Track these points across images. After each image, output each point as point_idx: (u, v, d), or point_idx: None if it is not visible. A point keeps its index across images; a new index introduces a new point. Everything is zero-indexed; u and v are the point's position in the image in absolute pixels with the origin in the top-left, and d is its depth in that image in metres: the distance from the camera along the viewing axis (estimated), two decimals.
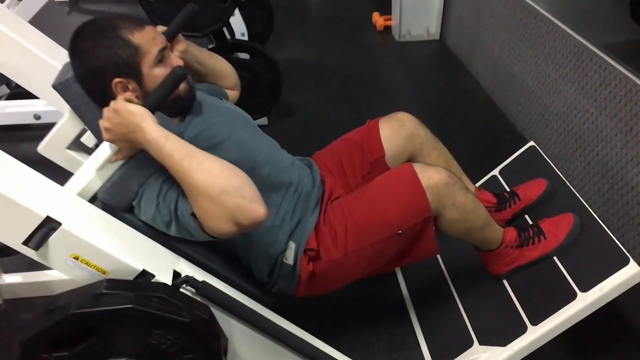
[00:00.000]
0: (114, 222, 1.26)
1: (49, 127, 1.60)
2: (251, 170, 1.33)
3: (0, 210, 1.05)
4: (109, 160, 1.22)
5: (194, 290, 1.22)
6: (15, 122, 2.63)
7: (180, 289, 1.20)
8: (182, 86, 1.32)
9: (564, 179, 1.68)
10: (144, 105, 1.18)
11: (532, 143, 1.85)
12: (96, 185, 1.27)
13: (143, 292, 1.12)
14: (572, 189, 1.63)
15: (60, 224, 1.09)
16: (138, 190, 1.25)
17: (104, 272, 1.17)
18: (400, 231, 1.36)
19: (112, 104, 1.17)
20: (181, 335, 1.13)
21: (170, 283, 1.20)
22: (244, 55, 2.63)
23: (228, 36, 2.69)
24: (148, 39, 1.28)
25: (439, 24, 3.73)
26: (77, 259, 1.14)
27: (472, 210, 1.41)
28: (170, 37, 1.42)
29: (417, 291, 1.85)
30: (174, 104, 1.32)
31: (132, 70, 1.26)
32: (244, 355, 1.32)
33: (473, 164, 1.90)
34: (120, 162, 1.24)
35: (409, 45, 3.75)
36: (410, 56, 3.62)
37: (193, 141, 1.27)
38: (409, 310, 1.81)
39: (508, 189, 1.80)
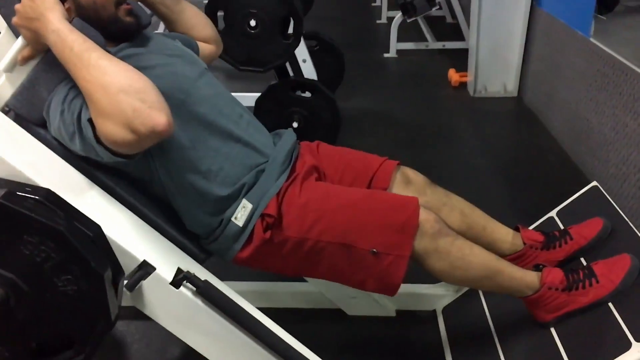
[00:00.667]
0: (23, 134, 1.16)
1: None
2: (182, 102, 1.24)
3: None
4: (18, 59, 1.14)
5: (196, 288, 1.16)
6: None
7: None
8: (129, 18, 1.27)
9: (626, 218, 1.49)
10: None
11: (594, 183, 1.68)
12: (7, 91, 1.16)
13: (18, 190, 1.02)
14: (634, 229, 1.44)
15: None
16: (47, 98, 1.16)
17: None
18: (374, 250, 1.25)
19: None
20: (56, 247, 1.00)
21: (169, 280, 1.15)
22: (305, 94, 2.65)
23: (291, 74, 2.73)
24: None
25: (517, 80, 3.61)
26: None
27: (459, 258, 1.29)
28: None
29: (456, 335, 1.68)
30: (109, 24, 1.23)
31: None
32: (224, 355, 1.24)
33: (539, 211, 1.78)
34: (31, 65, 1.15)
35: (483, 100, 3.65)
36: (483, 110, 3.51)
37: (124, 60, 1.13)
38: (446, 356, 1.64)
39: None
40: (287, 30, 2.43)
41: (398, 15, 4.40)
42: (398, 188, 1.47)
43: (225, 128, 1.31)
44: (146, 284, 1.16)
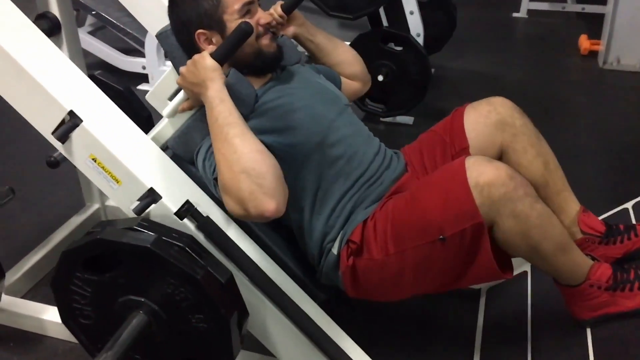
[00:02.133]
0: (178, 171, 1.27)
1: None
2: (319, 145, 1.27)
3: (35, 99, 1.14)
4: (179, 109, 1.26)
5: (196, 222, 1.18)
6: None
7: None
8: (265, 41, 1.30)
9: None
10: (211, 54, 1.19)
11: None
12: (168, 132, 1.32)
13: (166, 237, 1.12)
14: None
15: (82, 120, 1.14)
16: (199, 143, 1.27)
17: (117, 182, 1.18)
18: (441, 236, 1.13)
19: (196, 55, 1.20)
20: (192, 290, 1.11)
21: (175, 209, 1.17)
22: (395, 46, 2.53)
23: (385, 24, 2.61)
24: None
25: None
26: (95, 161, 1.17)
27: (537, 225, 1.11)
28: (287, 11, 1.40)
29: (493, 318, 1.55)
30: (255, 59, 1.30)
31: (214, 22, 1.26)
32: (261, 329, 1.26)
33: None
34: (190, 113, 1.27)
35: (613, 74, 3.26)
36: (610, 85, 3.14)
37: (266, 105, 1.28)
38: (476, 338, 1.53)
39: None
40: None
41: None
42: (478, 120, 1.34)
43: (354, 173, 1.30)
44: (154, 211, 1.19)
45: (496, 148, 1.35)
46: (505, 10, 4.30)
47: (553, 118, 2.77)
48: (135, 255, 1.12)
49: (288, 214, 1.26)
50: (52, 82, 1.15)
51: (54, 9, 1.62)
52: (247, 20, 1.25)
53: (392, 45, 2.53)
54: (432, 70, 3.25)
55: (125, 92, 1.87)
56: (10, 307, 1.59)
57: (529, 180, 1.29)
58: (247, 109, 1.26)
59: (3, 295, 1.60)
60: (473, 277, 1.19)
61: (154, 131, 1.35)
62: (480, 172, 1.10)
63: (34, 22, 1.56)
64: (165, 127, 1.33)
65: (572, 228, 1.35)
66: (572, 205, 1.36)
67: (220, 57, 1.19)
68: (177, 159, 1.30)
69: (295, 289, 1.27)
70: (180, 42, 1.33)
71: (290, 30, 1.45)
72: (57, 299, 1.23)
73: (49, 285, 1.22)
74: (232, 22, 1.26)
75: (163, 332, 1.17)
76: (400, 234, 1.20)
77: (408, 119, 2.69)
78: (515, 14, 4.24)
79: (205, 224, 1.17)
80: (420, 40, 3.08)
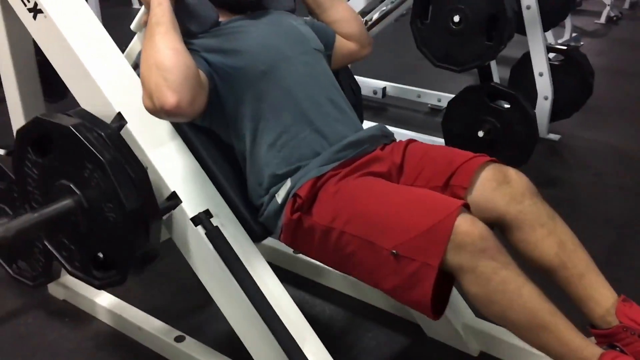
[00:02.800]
0: (194, 164, 1.34)
1: None
2: (264, 73, 1.30)
3: (94, 99, 1.31)
4: (141, 21, 1.32)
5: (205, 230, 1.23)
6: None
7: None
8: None
9: None
10: None
11: None
12: (137, 48, 1.39)
13: (89, 123, 1.17)
14: None
15: (126, 122, 1.27)
16: None
17: None
18: (394, 251, 1.09)
19: None
20: (102, 176, 1.13)
21: (190, 215, 1.24)
22: (502, 103, 2.42)
23: (497, 79, 2.51)
24: None
25: None
26: None
27: (500, 291, 1.04)
28: None
29: None
30: None
31: None
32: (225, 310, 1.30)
33: None
34: None
35: None
36: None
37: (221, 29, 1.33)
38: None
39: None
40: (496, 32, 2.23)
41: None
42: (486, 187, 1.24)
43: (300, 108, 1.32)
44: (175, 213, 1.28)
45: (494, 214, 1.24)
46: None
47: None
48: (61, 136, 1.16)
49: (231, 140, 1.34)
50: (109, 86, 1.30)
51: None
52: None
53: (499, 102, 2.43)
54: (558, 137, 3.06)
55: None
56: (74, 286, 1.78)
57: (540, 260, 1.23)
58: (199, 27, 1.32)
59: None
60: (402, 299, 1.15)
61: (127, 50, 1.41)
62: (459, 223, 1.06)
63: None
64: (134, 43, 1.37)
65: (608, 318, 1.18)
66: (602, 292, 1.19)
67: None
68: None
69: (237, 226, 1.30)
70: None
71: None
72: (17, 180, 1.31)
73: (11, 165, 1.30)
74: None
75: (85, 220, 1.19)
76: (354, 217, 1.16)
77: None
78: None
79: (211, 232, 1.22)
80: (548, 104, 2.93)
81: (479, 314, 1.35)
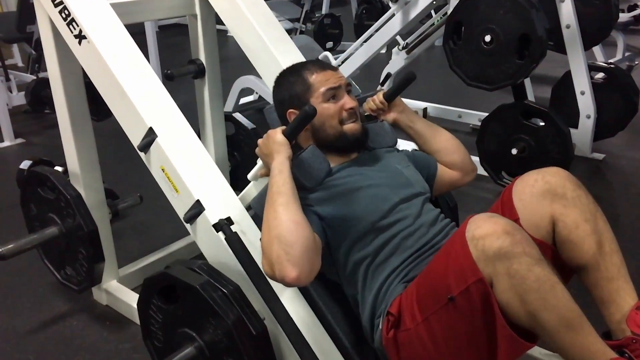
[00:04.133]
0: (219, 175, 1.45)
1: None
2: (374, 223, 1.33)
3: (129, 116, 1.44)
4: (259, 174, 1.43)
5: (225, 235, 1.32)
6: None
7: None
8: (350, 126, 1.42)
9: None
10: (282, 130, 1.32)
11: None
12: (252, 193, 1.49)
13: (215, 281, 1.28)
14: None
15: (157, 136, 1.39)
16: None
17: (177, 191, 1.40)
18: (450, 296, 1.09)
19: (270, 130, 1.34)
20: (225, 333, 1.25)
21: (212, 222, 1.33)
22: (537, 121, 2.41)
23: (532, 98, 2.51)
24: (322, 79, 1.42)
25: None
26: (163, 171, 1.41)
27: (534, 290, 1.01)
28: (388, 99, 1.53)
29: None
30: (336, 140, 1.42)
31: (302, 103, 1.39)
32: None
33: None
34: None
35: None
36: None
37: (334, 180, 1.38)
38: None
39: None
40: (527, 51, 2.25)
41: None
42: (525, 189, 1.28)
43: (407, 251, 1.33)
44: (199, 221, 1.37)
45: (546, 220, 1.25)
46: None
47: None
48: (188, 292, 1.29)
49: (344, 286, 1.37)
50: (143, 104, 1.42)
51: (202, 57, 1.96)
52: (331, 104, 1.40)
53: (534, 120, 2.42)
54: (603, 156, 3.00)
55: (252, 131, 2.15)
56: (116, 292, 1.90)
57: (578, 259, 1.22)
58: (313, 182, 1.35)
59: (115, 282, 1.93)
60: (500, 348, 1.09)
61: (242, 192, 1.52)
62: (478, 225, 1.07)
63: (186, 65, 1.95)
64: (249, 189, 1.50)
65: (622, 325, 1.17)
66: (626, 299, 1.19)
67: (287, 134, 1.31)
68: (258, 219, 1.38)
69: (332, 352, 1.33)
70: (279, 117, 1.52)
71: (391, 116, 1.56)
72: (140, 319, 1.47)
73: (136, 305, 1.46)
74: (317, 105, 1.38)
75: None
76: (421, 300, 1.18)
77: None
78: None
79: (230, 238, 1.31)
80: (591, 122, 2.90)
81: None
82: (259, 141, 1.35)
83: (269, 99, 3.28)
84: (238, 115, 2.17)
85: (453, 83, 2.69)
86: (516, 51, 2.24)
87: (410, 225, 1.35)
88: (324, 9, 5.81)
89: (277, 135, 1.31)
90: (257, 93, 3.89)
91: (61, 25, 1.50)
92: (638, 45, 5.54)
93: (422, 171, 1.52)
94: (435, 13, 3.83)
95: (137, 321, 1.82)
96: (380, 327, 1.28)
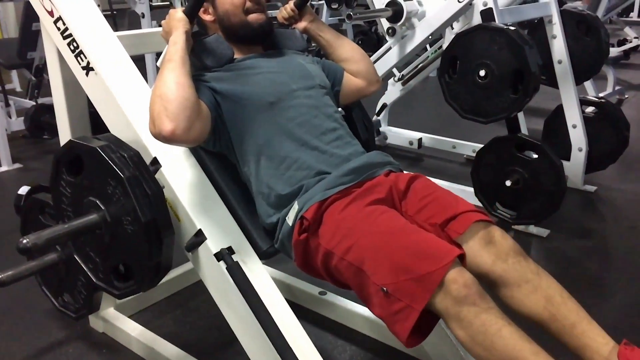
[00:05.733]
0: (220, 204, 1.47)
1: None
2: (271, 104, 1.44)
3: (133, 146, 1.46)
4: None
5: (226, 265, 1.34)
6: None
7: None
8: (255, 16, 1.54)
9: None
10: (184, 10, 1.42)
11: None
12: None
13: (115, 146, 1.33)
14: None
15: (161, 165, 1.42)
16: None
17: (179, 219, 1.42)
18: (384, 288, 1.17)
19: (171, 9, 1.45)
20: (122, 191, 1.29)
21: (214, 252, 1.35)
22: (530, 154, 2.46)
23: (525, 131, 2.56)
24: None
25: None
26: (167, 200, 1.43)
27: (481, 332, 1.10)
28: (299, 6, 1.64)
29: None
30: (240, 29, 1.54)
31: None
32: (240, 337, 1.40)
33: None
34: None
35: None
36: None
37: (236, 65, 1.50)
38: None
39: None
40: (521, 86, 2.31)
41: None
42: (475, 244, 1.31)
43: (302, 137, 1.44)
44: (200, 250, 1.39)
45: (481, 269, 1.29)
46: None
47: None
48: (91, 157, 1.33)
49: (239, 166, 1.49)
50: (148, 135, 1.44)
51: None
52: None
53: (527, 152, 2.47)
54: (594, 188, 3.05)
55: None
56: (113, 320, 1.90)
57: (529, 314, 1.28)
58: (215, 63, 1.48)
59: (112, 310, 1.94)
60: (388, 326, 1.21)
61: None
62: (451, 272, 1.14)
63: None
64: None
65: None
66: (597, 339, 1.20)
67: (187, 11, 1.41)
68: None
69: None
70: None
71: (301, 24, 1.69)
72: (53, 201, 1.49)
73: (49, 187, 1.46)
74: None
75: (107, 232, 1.35)
76: (353, 248, 1.25)
77: (543, 231, 2.54)
78: None
79: (232, 267, 1.33)
80: (583, 155, 2.95)
81: None
82: (162, 22, 1.45)
83: None
84: None
85: (447, 114, 2.74)
86: (510, 86, 2.30)
87: (307, 113, 1.47)
88: None
89: (177, 12, 1.41)
90: None
91: (69, 57, 1.54)
92: (628, 78, 5.65)
93: (328, 76, 1.63)
94: (430, 47, 3.93)
95: (134, 349, 1.85)
96: (289, 223, 1.38)
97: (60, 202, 1.47)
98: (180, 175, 1.45)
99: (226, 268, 1.34)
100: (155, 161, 1.43)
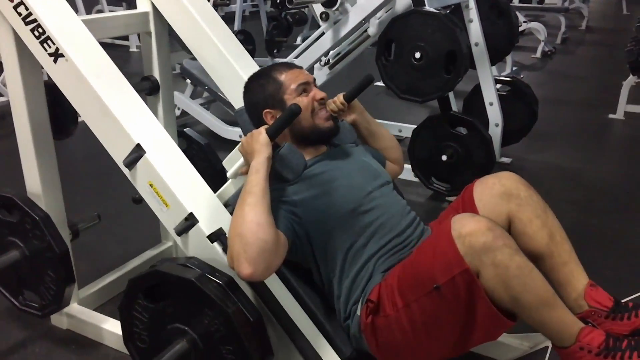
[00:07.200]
0: (205, 187, 1.48)
1: None
2: (352, 211, 1.45)
3: (113, 132, 1.44)
4: (239, 172, 1.49)
5: (222, 245, 1.37)
6: None
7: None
8: (320, 116, 1.53)
9: None
10: (266, 130, 1.40)
11: None
12: (230, 191, 1.54)
13: (209, 274, 1.33)
14: None
15: (145, 152, 1.41)
16: None
17: (166, 205, 1.42)
18: (435, 285, 1.23)
19: (255, 130, 1.43)
20: (223, 323, 1.30)
21: (207, 233, 1.38)
22: (461, 130, 2.66)
23: (455, 108, 2.76)
24: (292, 76, 1.53)
25: None
26: (152, 187, 1.43)
27: (516, 276, 1.18)
28: (348, 100, 1.63)
29: None
30: (310, 133, 1.53)
31: (276, 102, 1.51)
32: None
33: None
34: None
35: None
36: None
37: (311, 173, 1.49)
38: None
39: None
40: (453, 66, 2.48)
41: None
42: (484, 191, 1.48)
43: (383, 238, 1.46)
44: (192, 233, 1.41)
45: (503, 217, 1.45)
46: (603, 111, 4.29)
47: (634, 216, 2.70)
48: (181, 287, 1.33)
49: (320, 272, 1.48)
50: (127, 120, 1.43)
51: (156, 74, 1.97)
52: (304, 97, 1.50)
53: (459, 128, 2.67)
54: (510, 160, 3.33)
55: (205, 146, 2.18)
56: (79, 314, 1.85)
57: (533, 249, 1.41)
58: (294, 175, 1.47)
59: (76, 305, 1.88)
60: (481, 329, 1.25)
61: (220, 190, 1.55)
62: (463, 224, 1.23)
63: (139, 82, 1.95)
64: (228, 186, 1.54)
65: (579, 301, 1.38)
66: (579, 279, 1.40)
67: (272, 133, 1.40)
68: None
69: (318, 336, 1.42)
70: (252, 119, 1.60)
71: (351, 117, 1.70)
72: (122, 322, 1.46)
73: (117, 308, 1.44)
74: (291, 100, 1.49)
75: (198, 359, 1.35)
76: (403, 288, 1.31)
77: None
78: (611, 115, 4.20)
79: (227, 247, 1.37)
80: (499, 130, 3.20)
81: None
82: (243, 139, 1.43)
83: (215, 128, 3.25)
84: (189, 131, 2.19)
85: (371, 98, 2.86)
86: (443, 66, 2.47)
87: (384, 213, 1.49)
88: (236, 26, 5.85)
89: (261, 134, 1.39)
90: (179, 108, 3.88)
91: (32, 44, 1.47)
92: (520, 60, 6.14)
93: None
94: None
95: (106, 342, 1.81)
96: (357, 313, 1.40)
97: (133, 326, 1.44)
98: (165, 160, 1.45)
99: (223, 248, 1.38)
100: (138, 148, 1.42)
